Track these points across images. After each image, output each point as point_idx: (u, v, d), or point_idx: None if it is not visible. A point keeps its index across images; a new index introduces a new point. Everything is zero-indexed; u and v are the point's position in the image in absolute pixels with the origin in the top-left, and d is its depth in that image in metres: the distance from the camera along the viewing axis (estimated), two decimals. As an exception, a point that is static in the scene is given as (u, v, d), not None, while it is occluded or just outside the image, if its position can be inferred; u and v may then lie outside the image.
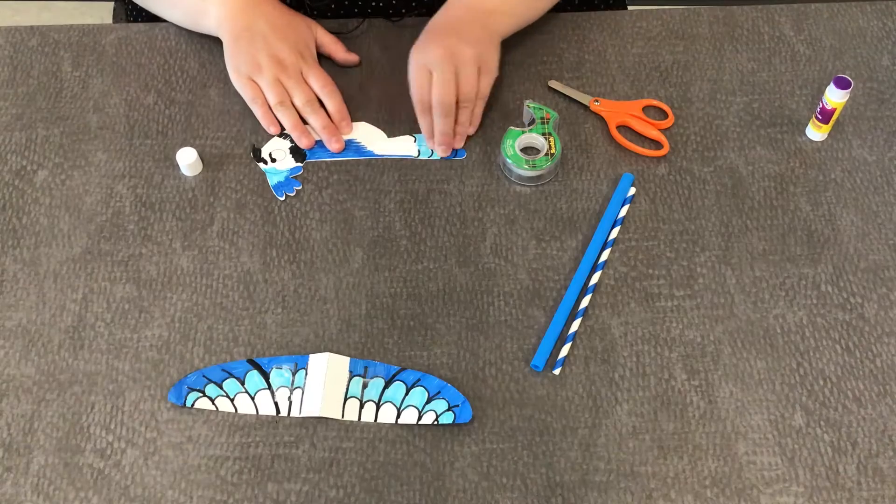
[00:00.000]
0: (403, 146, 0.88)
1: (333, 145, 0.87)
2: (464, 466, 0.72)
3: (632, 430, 0.73)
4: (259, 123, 0.89)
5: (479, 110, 0.88)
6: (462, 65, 0.86)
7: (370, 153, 0.88)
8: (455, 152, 0.88)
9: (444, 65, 0.85)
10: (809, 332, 0.78)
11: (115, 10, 1.17)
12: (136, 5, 1.05)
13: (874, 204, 0.85)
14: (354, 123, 0.90)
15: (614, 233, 0.83)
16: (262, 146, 0.88)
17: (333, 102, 0.89)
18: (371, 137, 0.89)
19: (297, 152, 0.87)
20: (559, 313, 0.78)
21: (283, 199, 0.85)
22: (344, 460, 0.72)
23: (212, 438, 0.73)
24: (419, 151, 0.88)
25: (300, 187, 0.86)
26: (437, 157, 0.87)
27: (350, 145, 0.88)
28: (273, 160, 0.86)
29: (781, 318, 0.79)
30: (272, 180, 0.86)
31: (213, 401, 0.74)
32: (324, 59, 0.94)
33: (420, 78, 0.87)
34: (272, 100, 0.88)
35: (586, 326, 0.78)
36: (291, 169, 0.86)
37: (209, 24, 0.91)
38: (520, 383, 0.75)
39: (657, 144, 0.89)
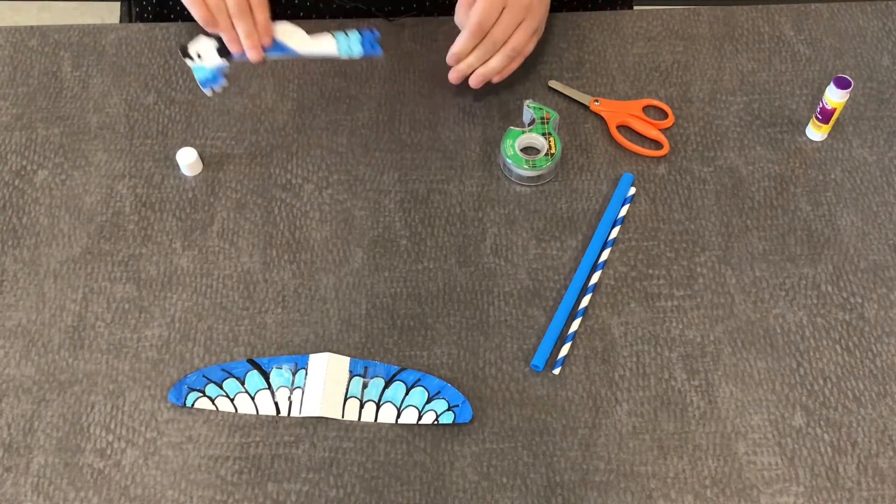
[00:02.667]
0: (324, 45, 0.87)
1: (252, 54, 0.86)
2: (464, 466, 0.72)
3: (632, 430, 0.73)
4: (258, 121, 0.90)
5: (514, 65, 0.88)
6: (520, 25, 0.85)
7: (291, 51, 0.87)
8: (373, 47, 0.86)
9: (512, 25, 0.85)
10: (809, 332, 0.78)
11: (120, 10, 1.17)
12: (141, 4, 1.05)
13: (874, 204, 0.85)
14: (275, 22, 0.88)
15: (614, 233, 0.83)
16: (189, 44, 0.87)
17: (261, 15, 0.87)
18: (292, 36, 0.88)
19: (224, 51, 0.87)
20: (559, 313, 0.78)
21: (210, 94, 0.86)
22: (344, 460, 0.72)
23: (212, 438, 0.73)
24: (340, 51, 0.86)
25: (226, 84, 0.86)
26: (358, 55, 0.86)
27: (272, 44, 0.88)
28: (199, 57, 0.87)
29: (781, 318, 0.79)
30: (199, 76, 0.86)
31: (213, 401, 0.74)
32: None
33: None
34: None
35: (586, 326, 0.78)
36: (218, 66, 0.86)
37: None
38: (520, 383, 0.75)
39: (657, 144, 0.89)
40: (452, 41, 0.94)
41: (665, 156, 0.88)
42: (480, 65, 0.86)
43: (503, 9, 0.84)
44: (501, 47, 0.86)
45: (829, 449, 0.72)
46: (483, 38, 0.85)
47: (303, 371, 0.75)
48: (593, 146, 0.89)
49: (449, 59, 0.86)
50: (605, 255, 0.82)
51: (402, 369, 0.76)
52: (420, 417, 0.73)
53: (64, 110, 0.91)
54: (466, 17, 0.85)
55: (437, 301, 0.80)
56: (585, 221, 0.84)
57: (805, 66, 0.94)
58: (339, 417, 0.74)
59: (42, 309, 0.79)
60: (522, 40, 0.86)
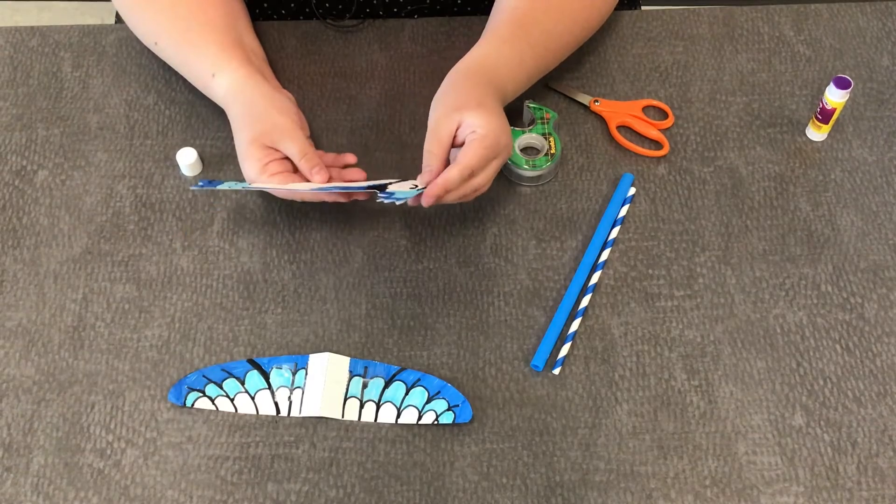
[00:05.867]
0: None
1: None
2: (464, 466, 0.72)
3: (632, 430, 0.73)
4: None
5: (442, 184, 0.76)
6: (493, 167, 0.78)
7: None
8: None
9: (491, 169, 0.78)
10: (809, 332, 0.78)
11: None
12: None
13: (874, 204, 0.85)
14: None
15: (614, 233, 0.83)
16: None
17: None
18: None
19: None
20: (559, 313, 0.78)
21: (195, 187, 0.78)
22: (344, 460, 0.72)
23: (212, 438, 0.73)
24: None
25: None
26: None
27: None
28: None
29: (781, 318, 0.79)
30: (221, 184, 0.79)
31: (213, 401, 0.74)
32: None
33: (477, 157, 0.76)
34: None
35: (586, 326, 0.78)
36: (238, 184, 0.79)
37: None
38: (520, 383, 0.75)
39: (657, 144, 0.89)
40: (451, 41, 0.95)
41: (665, 156, 0.88)
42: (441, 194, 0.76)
43: (494, 158, 0.77)
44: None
45: (829, 449, 0.72)
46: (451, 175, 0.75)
47: (303, 371, 0.75)
48: (593, 146, 0.89)
49: (433, 190, 0.75)
50: (604, 256, 0.82)
51: (402, 369, 0.76)
52: (420, 417, 0.73)
53: (64, 110, 0.91)
54: (438, 148, 0.77)
55: (437, 301, 0.80)
56: (585, 221, 0.84)
57: (805, 66, 0.94)
58: (339, 417, 0.74)
59: (42, 309, 0.79)
60: (487, 185, 0.79)
